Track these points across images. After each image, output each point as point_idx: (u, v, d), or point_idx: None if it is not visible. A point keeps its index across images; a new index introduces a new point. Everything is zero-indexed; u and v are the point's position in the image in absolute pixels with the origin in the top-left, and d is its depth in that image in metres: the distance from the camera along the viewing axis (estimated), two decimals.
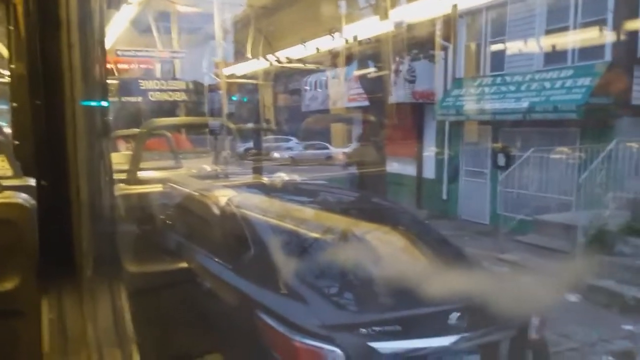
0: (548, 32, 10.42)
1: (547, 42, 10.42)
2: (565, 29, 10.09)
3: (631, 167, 8.17)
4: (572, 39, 9.99)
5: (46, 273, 1.37)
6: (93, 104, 1.36)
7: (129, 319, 1.45)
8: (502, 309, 3.05)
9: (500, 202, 9.95)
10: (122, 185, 5.00)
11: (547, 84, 9.93)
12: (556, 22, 10.31)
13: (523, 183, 9.43)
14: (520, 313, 3.32)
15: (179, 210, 5.16)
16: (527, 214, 9.17)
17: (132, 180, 5.11)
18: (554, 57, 10.40)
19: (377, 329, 3.00)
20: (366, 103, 13.30)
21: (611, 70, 9.21)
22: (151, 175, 5.64)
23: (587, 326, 5.99)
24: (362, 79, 12.81)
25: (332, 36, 12.78)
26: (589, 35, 9.55)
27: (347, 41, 13.27)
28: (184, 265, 4.35)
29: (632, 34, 9.25)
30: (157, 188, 5.28)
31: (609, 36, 9.30)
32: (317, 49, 14.22)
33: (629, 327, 6.02)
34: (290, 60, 16.26)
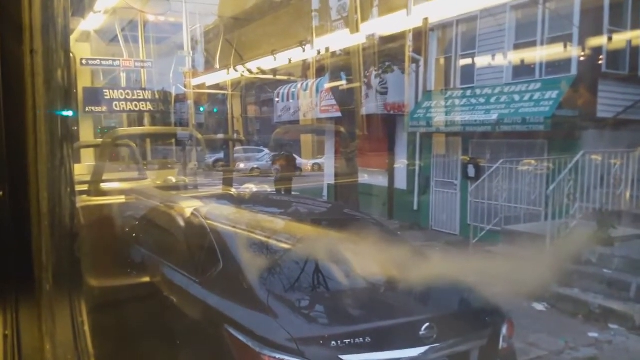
0: (517, 46, 10.62)
1: (516, 56, 10.62)
2: (533, 43, 10.30)
3: (597, 178, 8.35)
4: (540, 53, 10.20)
5: (3, 287, 1.32)
6: (56, 112, 1.31)
7: (89, 335, 1.40)
8: None
9: (470, 213, 10.05)
10: (84, 196, 4.90)
11: (516, 97, 10.10)
12: (524, 37, 10.52)
13: (492, 194, 9.55)
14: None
15: (143, 222, 5.08)
16: (497, 225, 9.29)
17: (95, 191, 5.02)
18: (523, 70, 10.59)
19: (347, 341, 2.98)
20: (338, 114, 13.37)
21: (577, 84, 9.44)
22: (114, 187, 5.55)
23: (554, 334, 6.07)
24: (334, 90, 12.88)
25: (303, 48, 12.83)
26: (556, 50, 9.77)
27: (319, 53, 13.35)
28: (149, 278, 4.26)
29: (597, 49, 9.50)
30: (121, 199, 5.20)
31: (574, 51, 9.53)
32: (289, 60, 14.26)
33: (594, 335, 6.12)
34: (261, 71, 16.27)
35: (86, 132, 14.22)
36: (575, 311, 6.79)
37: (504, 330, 3.55)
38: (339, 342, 2.96)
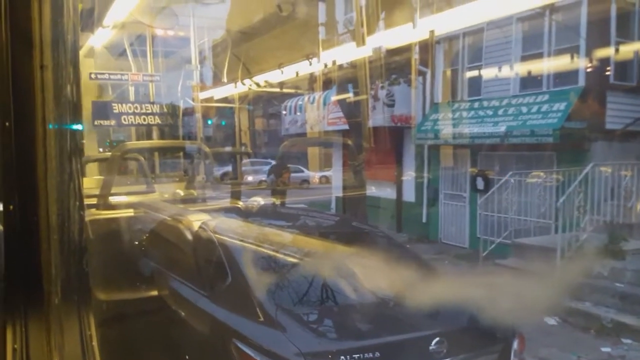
0: (524, 58, 10.62)
1: (523, 68, 10.61)
2: (540, 55, 10.29)
3: (607, 191, 8.28)
4: (547, 64, 10.18)
5: (12, 301, 1.32)
6: (65, 126, 1.32)
7: (97, 349, 1.40)
8: None
9: (479, 226, 9.98)
10: (93, 210, 4.92)
11: (524, 109, 10.08)
12: (531, 49, 10.52)
13: (502, 206, 9.48)
14: None
15: (152, 235, 5.08)
16: (506, 238, 9.22)
17: (104, 205, 5.03)
18: (530, 82, 10.58)
19: (356, 356, 2.95)
20: (345, 127, 13.39)
21: (585, 96, 9.40)
22: (123, 200, 5.57)
23: (566, 349, 6.00)
24: (341, 103, 12.91)
25: (310, 61, 12.91)
26: (563, 62, 9.76)
27: (325, 66, 13.42)
28: (158, 292, 4.25)
29: (605, 60, 9.47)
30: (129, 213, 5.21)
31: (582, 62, 9.51)
32: (297, 73, 14.34)
33: (607, 350, 6.04)
34: (268, 84, 16.36)
35: (90, 147, 14.30)
36: (587, 325, 6.70)
37: (515, 345, 3.51)
38: (348, 357, 2.93)
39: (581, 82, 9.57)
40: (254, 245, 4.05)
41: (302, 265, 3.91)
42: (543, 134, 9.33)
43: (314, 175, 27.04)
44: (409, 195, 13.52)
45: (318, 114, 15.38)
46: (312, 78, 16.57)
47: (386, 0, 12.02)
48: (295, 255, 4.06)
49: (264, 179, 26.41)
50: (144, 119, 15.41)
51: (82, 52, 12.77)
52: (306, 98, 16.47)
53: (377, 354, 3.00)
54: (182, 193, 6.63)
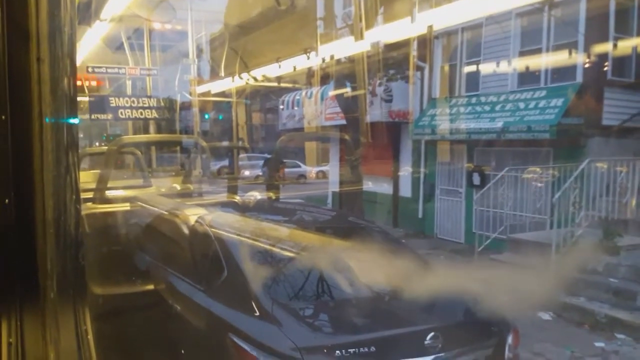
0: (522, 53, 10.62)
1: (521, 64, 10.62)
2: (538, 50, 10.30)
3: (602, 187, 8.31)
4: (546, 60, 10.19)
5: (7, 295, 1.31)
6: (62, 120, 1.31)
7: (93, 343, 1.39)
8: None
9: (475, 221, 10.01)
10: (89, 204, 4.91)
11: (521, 105, 10.09)
12: (530, 44, 10.52)
13: (498, 202, 9.50)
14: None
15: (148, 230, 5.08)
16: (502, 233, 9.25)
17: (100, 199, 5.02)
18: (528, 78, 10.58)
19: (352, 350, 2.96)
20: (343, 122, 13.37)
21: (582, 92, 9.41)
22: (119, 194, 5.57)
23: (560, 344, 6.03)
24: (339, 98, 12.89)
25: (308, 55, 12.87)
26: (561, 57, 9.76)
27: (323, 60, 13.38)
28: (154, 286, 4.25)
29: (602, 56, 9.47)
30: (125, 207, 5.21)
31: (580, 58, 9.51)
32: (294, 67, 14.29)
33: (601, 345, 6.07)
34: (266, 79, 16.31)
35: None
36: (582, 320, 6.74)
37: (510, 339, 3.52)
38: (344, 351, 2.94)
39: (579, 78, 9.57)
40: (251, 239, 4.05)
41: (298, 260, 3.91)
42: (540, 130, 9.33)
43: (311, 170, 27.06)
44: (406, 191, 13.54)
45: (315, 109, 15.37)
46: (309, 72, 16.54)
47: None
48: (292, 249, 4.07)
49: (260, 173, 26.43)
50: (141, 113, 15.37)
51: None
52: (304, 93, 16.46)
53: (373, 349, 3.01)
54: (178, 187, 6.63)
